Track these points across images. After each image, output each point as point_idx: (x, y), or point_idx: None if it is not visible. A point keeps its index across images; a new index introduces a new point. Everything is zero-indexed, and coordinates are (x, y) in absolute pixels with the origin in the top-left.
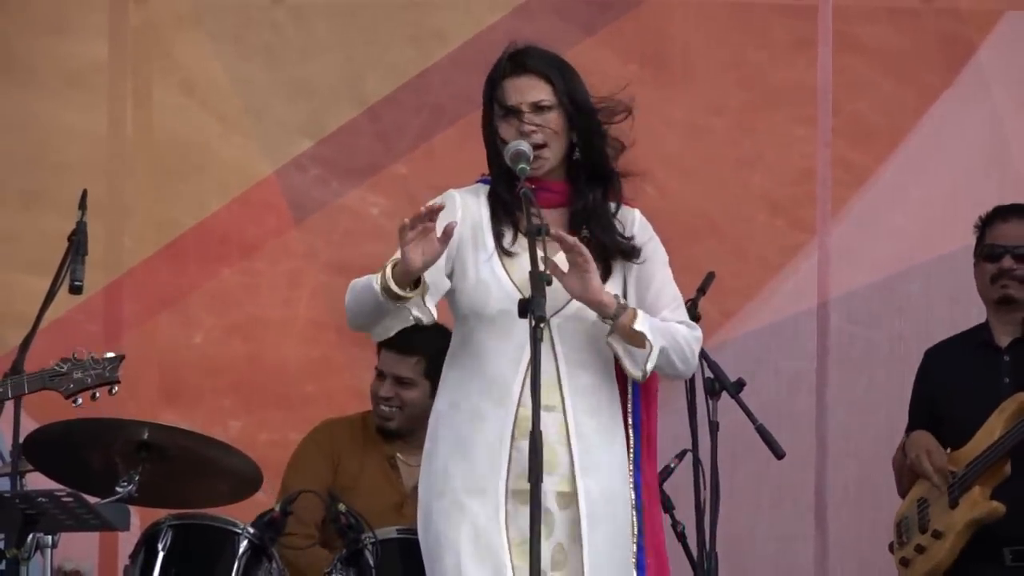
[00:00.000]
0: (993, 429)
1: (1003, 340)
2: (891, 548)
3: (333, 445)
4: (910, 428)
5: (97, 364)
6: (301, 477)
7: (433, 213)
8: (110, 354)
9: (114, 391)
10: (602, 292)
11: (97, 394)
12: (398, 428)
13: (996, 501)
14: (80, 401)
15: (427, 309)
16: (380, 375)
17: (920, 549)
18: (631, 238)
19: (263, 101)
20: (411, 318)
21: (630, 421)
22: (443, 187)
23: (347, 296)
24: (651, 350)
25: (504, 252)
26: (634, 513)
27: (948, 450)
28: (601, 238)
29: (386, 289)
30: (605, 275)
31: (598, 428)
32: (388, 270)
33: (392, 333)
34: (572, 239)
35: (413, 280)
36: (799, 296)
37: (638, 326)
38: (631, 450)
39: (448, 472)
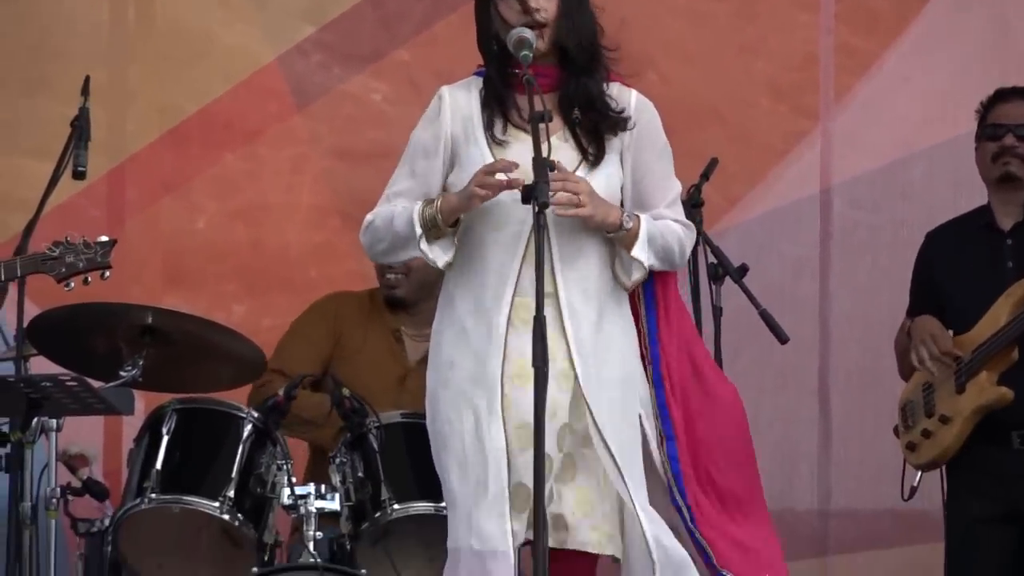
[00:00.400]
0: (999, 315)
1: (1006, 223)
2: (896, 431)
3: (337, 315)
4: (911, 311)
5: (89, 248)
6: (297, 340)
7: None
8: (103, 238)
9: (106, 276)
10: (606, 214)
11: (89, 279)
12: (405, 296)
13: (1004, 387)
14: (72, 285)
15: (447, 250)
16: None
17: (927, 434)
18: (626, 117)
19: None
20: (429, 259)
21: (641, 298)
22: (446, 74)
23: (365, 234)
24: (641, 273)
25: (495, 141)
26: (652, 388)
27: (951, 333)
28: (592, 118)
29: (428, 220)
30: (599, 156)
31: (596, 311)
32: (438, 203)
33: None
34: (563, 175)
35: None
36: (802, 182)
37: (636, 251)
38: (645, 327)
39: (452, 363)
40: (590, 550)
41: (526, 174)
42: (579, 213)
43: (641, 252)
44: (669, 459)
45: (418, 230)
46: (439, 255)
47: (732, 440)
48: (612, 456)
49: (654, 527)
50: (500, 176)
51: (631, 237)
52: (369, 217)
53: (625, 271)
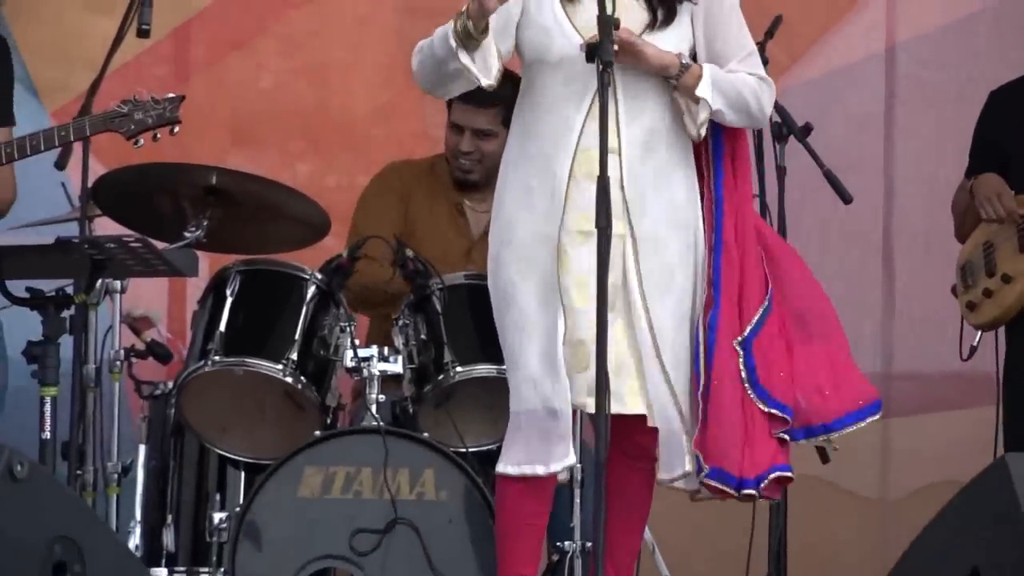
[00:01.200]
0: None
1: None
2: (954, 291)
3: (403, 186)
4: (971, 171)
5: (158, 105)
6: (372, 217)
7: None
8: (171, 95)
9: (175, 131)
10: (660, 57)
11: (159, 135)
12: (479, 180)
13: None
14: (142, 142)
15: (490, 68)
16: (457, 128)
17: (988, 293)
18: None
19: None
20: (473, 80)
21: (710, 161)
22: None
23: (415, 58)
24: (706, 112)
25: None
26: (708, 252)
27: (1015, 194)
28: None
29: (461, 31)
30: (669, 19)
31: (655, 170)
32: (464, 14)
33: (457, 94)
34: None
35: (484, 26)
36: (867, 39)
37: (700, 90)
38: (712, 191)
39: (514, 220)
40: (638, 410)
41: (587, 31)
42: (631, 48)
43: (706, 90)
44: (708, 328)
45: (453, 43)
46: (481, 69)
47: (811, 299)
48: (652, 328)
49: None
50: None
51: (693, 77)
52: (419, 43)
53: (692, 117)
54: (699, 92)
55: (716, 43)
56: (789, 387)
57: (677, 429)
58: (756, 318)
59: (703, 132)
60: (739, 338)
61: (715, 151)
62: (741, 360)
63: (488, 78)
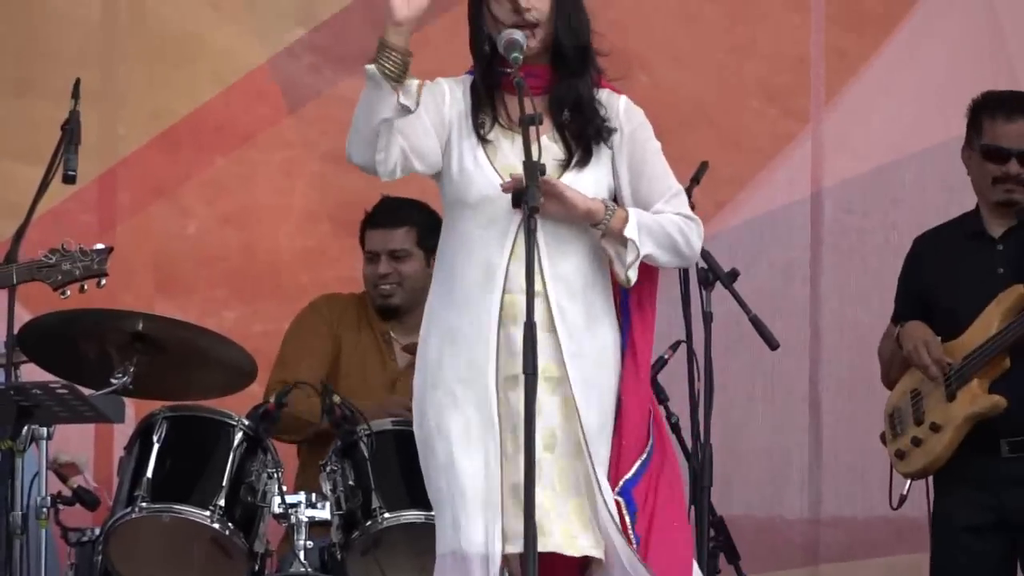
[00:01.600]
0: (990, 321)
1: (996, 230)
2: (882, 438)
3: (333, 316)
4: (897, 317)
5: (86, 256)
6: (303, 346)
7: None
8: (99, 246)
9: (102, 283)
10: (586, 203)
11: (85, 286)
12: (400, 304)
13: (996, 395)
14: (68, 293)
15: (412, 97)
16: (372, 257)
17: (917, 442)
18: (611, 123)
19: None
20: (398, 105)
21: (629, 312)
22: (437, 75)
23: (348, 139)
24: (635, 257)
25: (484, 140)
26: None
27: (939, 339)
28: (581, 122)
29: (381, 56)
30: (586, 159)
31: (584, 312)
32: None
33: (390, 154)
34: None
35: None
36: (792, 185)
37: (628, 232)
38: (626, 332)
39: (441, 363)
40: (568, 553)
41: (514, 170)
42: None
43: (633, 232)
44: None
45: (371, 68)
46: (405, 97)
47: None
48: (593, 465)
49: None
50: None
51: (620, 220)
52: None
53: (621, 262)
54: (627, 234)
55: (641, 185)
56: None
57: (624, 560)
58: (636, 466)
59: (633, 276)
60: (619, 484)
61: (623, 297)
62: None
63: (409, 100)
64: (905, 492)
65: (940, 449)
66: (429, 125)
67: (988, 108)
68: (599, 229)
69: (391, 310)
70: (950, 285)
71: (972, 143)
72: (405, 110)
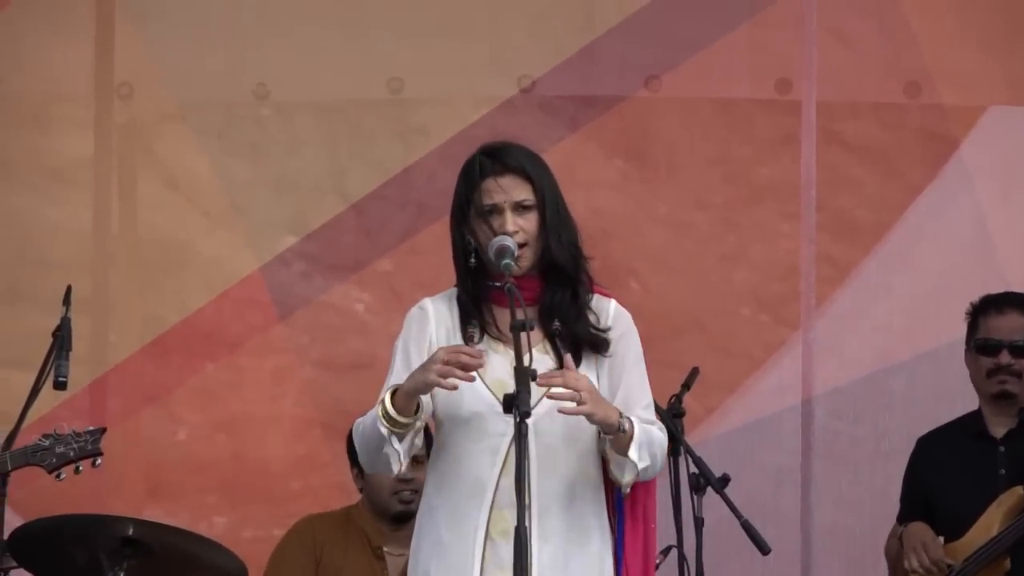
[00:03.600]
0: (991, 523)
1: (998, 431)
2: None
3: (315, 539)
4: (902, 516)
5: (79, 437)
6: (281, 571)
7: (473, 366)
8: (91, 427)
9: (97, 463)
10: (607, 416)
11: (80, 467)
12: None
13: None
14: (64, 475)
15: (411, 451)
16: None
17: None
18: (605, 329)
19: (248, 197)
20: (399, 461)
21: (615, 520)
22: (428, 283)
23: (355, 437)
24: (632, 474)
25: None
26: None
27: (942, 540)
28: (572, 330)
29: (386, 416)
30: (575, 364)
31: (569, 526)
32: (387, 399)
33: (396, 466)
34: (557, 374)
35: (415, 406)
36: (783, 392)
37: (632, 454)
38: (615, 549)
39: (428, 573)
40: None
41: (505, 385)
42: (580, 411)
43: (635, 453)
44: None
45: (383, 429)
46: (406, 451)
47: None
48: None
49: None
50: (462, 371)
51: (627, 439)
52: (356, 421)
53: (619, 470)
54: (631, 455)
55: (620, 391)
56: None
57: None
58: None
59: (627, 490)
60: None
61: (618, 502)
62: None
63: (407, 458)
64: None
65: None
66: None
67: (983, 307)
68: (607, 436)
69: (408, 516)
70: (952, 486)
71: (969, 342)
72: (398, 461)
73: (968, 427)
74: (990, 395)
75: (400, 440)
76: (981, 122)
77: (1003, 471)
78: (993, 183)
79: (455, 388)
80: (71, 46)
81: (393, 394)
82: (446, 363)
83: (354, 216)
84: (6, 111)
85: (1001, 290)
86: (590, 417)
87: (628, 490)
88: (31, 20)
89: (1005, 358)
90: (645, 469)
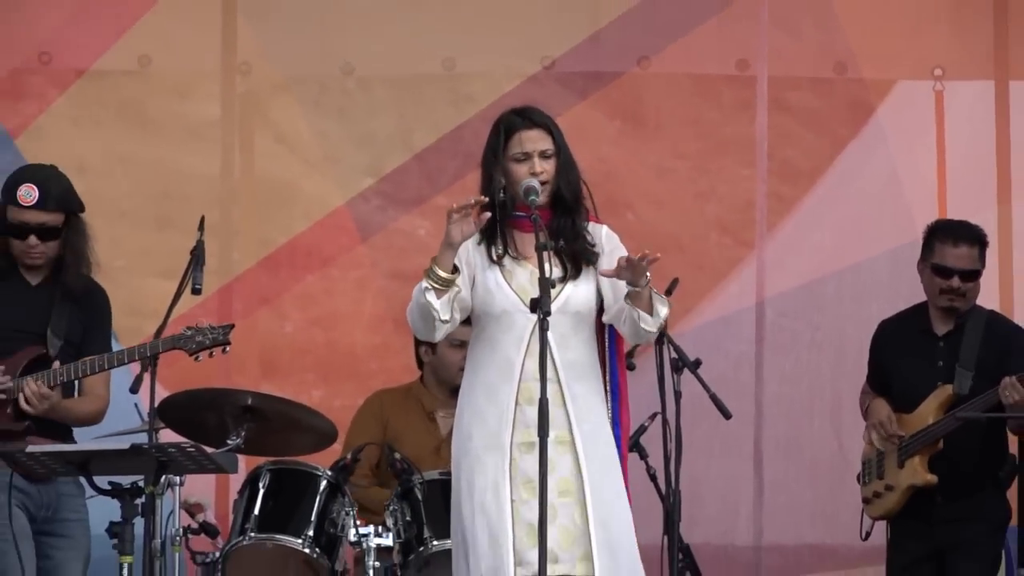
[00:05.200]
0: (928, 413)
1: (940, 330)
2: (858, 479)
3: (383, 409)
4: (869, 378)
5: (214, 330)
6: (357, 434)
7: (477, 204)
8: (224, 324)
9: (226, 350)
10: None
11: (213, 353)
12: None
13: (931, 474)
14: (200, 358)
15: (451, 311)
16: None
17: (877, 495)
18: (594, 245)
19: (337, 149)
20: (434, 316)
21: (608, 387)
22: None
23: (408, 314)
24: (661, 316)
25: (500, 265)
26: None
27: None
28: (571, 247)
29: (431, 273)
30: (577, 275)
31: (586, 391)
32: (430, 261)
33: (435, 337)
34: (628, 257)
35: (452, 266)
36: (741, 296)
37: (660, 307)
38: (610, 406)
39: (471, 435)
40: (573, 571)
41: (526, 290)
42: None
43: (659, 304)
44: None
45: (424, 283)
46: (443, 308)
47: None
48: (586, 507)
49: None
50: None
51: (648, 296)
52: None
53: (646, 315)
54: (655, 303)
55: (617, 285)
56: None
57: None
58: None
59: (654, 330)
60: None
61: (611, 353)
62: None
63: (445, 315)
64: (870, 529)
65: (891, 505)
66: (466, 290)
67: (940, 233)
68: (639, 287)
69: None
70: (902, 367)
71: (925, 259)
72: (444, 324)
73: (917, 322)
74: (939, 307)
75: (438, 297)
76: (892, 92)
77: (940, 363)
78: (901, 139)
79: (472, 230)
80: (203, 33)
81: (434, 260)
82: (455, 213)
83: (417, 164)
84: (154, 84)
85: (907, 225)
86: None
87: (652, 327)
88: (174, 11)
89: (956, 282)
90: (662, 316)
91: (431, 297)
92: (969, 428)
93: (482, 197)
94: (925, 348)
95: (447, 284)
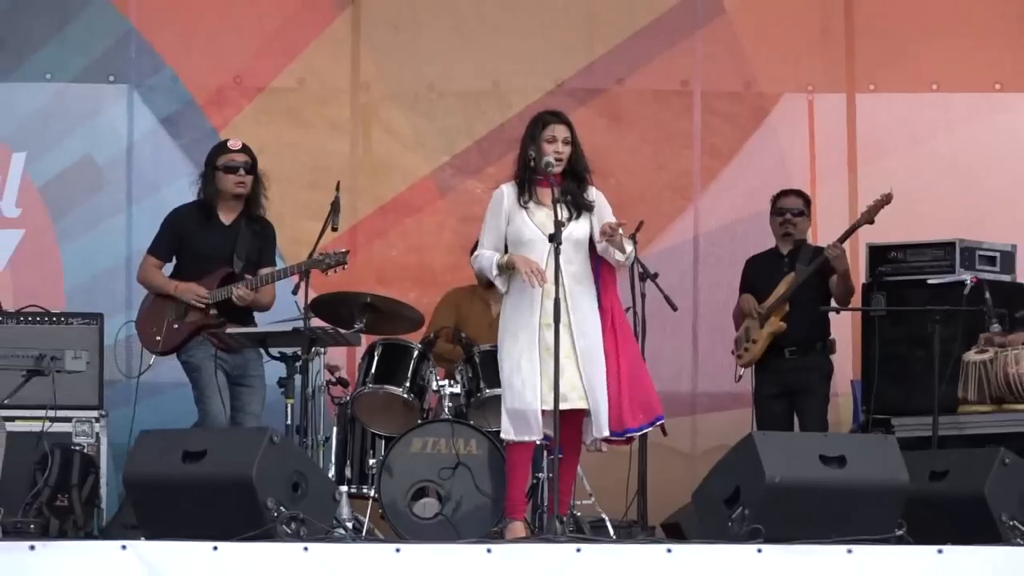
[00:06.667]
0: (780, 289)
1: (784, 250)
2: (733, 352)
3: (457, 300)
4: (741, 291)
5: (336, 255)
6: (440, 316)
7: (541, 274)
8: (342, 250)
9: (344, 267)
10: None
11: (338, 270)
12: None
13: (781, 323)
14: (330, 273)
15: (502, 281)
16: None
17: (746, 349)
18: (592, 201)
19: (425, 139)
20: (498, 285)
21: (599, 288)
22: (510, 178)
23: (473, 263)
24: (631, 254)
25: (527, 209)
26: (601, 328)
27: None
28: (576, 200)
29: (498, 265)
30: (578, 217)
31: (581, 292)
32: (503, 259)
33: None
34: (610, 225)
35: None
36: (684, 232)
37: (627, 246)
38: (599, 300)
39: (511, 319)
40: (575, 406)
41: (544, 226)
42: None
43: (629, 247)
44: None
45: (495, 271)
46: (502, 284)
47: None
48: (580, 369)
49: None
50: (535, 275)
51: (620, 242)
52: (474, 255)
53: (621, 252)
54: (627, 246)
55: (606, 220)
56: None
57: (600, 409)
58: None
59: (624, 260)
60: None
61: (596, 268)
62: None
63: (503, 288)
64: (741, 375)
65: (756, 352)
66: (503, 224)
67: (779, 194)
68: (614, 241)
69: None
70: (760, 277)
71: (772, 212)
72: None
73: (771, 252)
74: (780, 235)
75: (502, 276)
76: (780, 101)
77: (785, 269)
78: (785, 132)
79: (536, 282)
80: (339, 63)
81: (501, 257)
82: (529, 269)
83: (476, 147)
84: (307, 97)
85: (803, 183)
86: (615, 236)
87: (624, 260)
88: (320, 49)
89: (788, 217)
90: (631, 253)
91: (499, 281)
92: (803, 302)
93: (544, 276)
94: (776, 262)
95: (505, 273)
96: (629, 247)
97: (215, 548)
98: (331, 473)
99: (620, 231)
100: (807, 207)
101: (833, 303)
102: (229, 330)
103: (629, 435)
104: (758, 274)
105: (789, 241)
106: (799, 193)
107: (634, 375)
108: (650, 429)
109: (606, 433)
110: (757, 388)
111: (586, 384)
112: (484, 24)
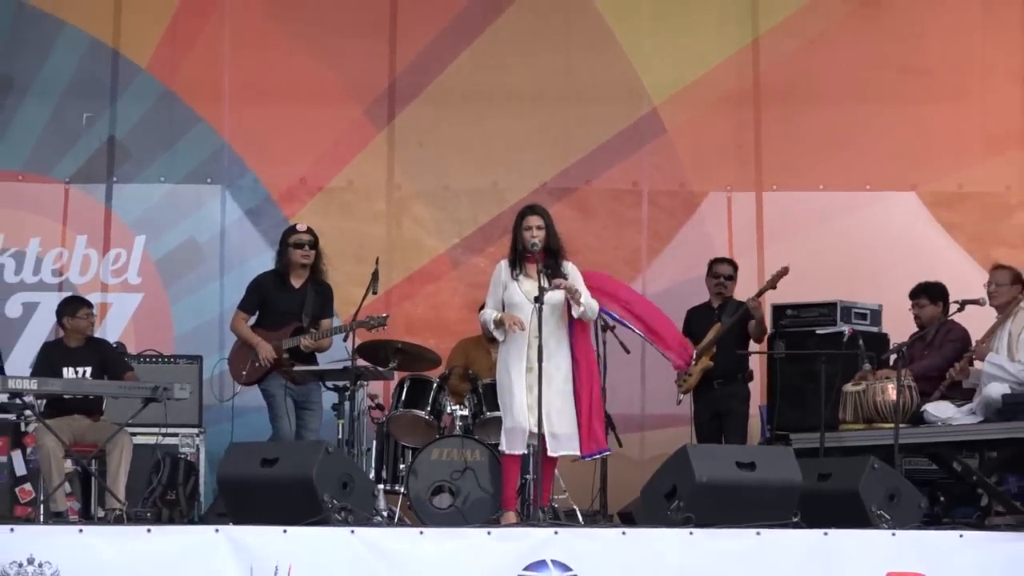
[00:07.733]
0: (709, 336)
1: (715, 304)
2: (676, 382)
3: (466, 349)
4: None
5: (380, 318)
6: (453, 358)
7: (520, 324)
8: (383, 315)
9: (384, 327)
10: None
11: (378, 329)
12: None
13: (710, 361)
14: (374, 332)
15: (499, 334)
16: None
17: (684, 380)
18: (565, 273)
19: (440, 226)
20: (497, 336)
21: (571, 340)
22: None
23: (480, 318)
24: (586, 309)
25: (516, 280)
26: (571, 375)
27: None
28: (554, 272)
29: (495, 323)
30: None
31: (556, 344)
32: (497, 317)
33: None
34: (566, 285)
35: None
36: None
37: (584, 300)
38: (572, 351)
39: (506, 362)
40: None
41: (530, 293)
42: (571, 288)
43: (586, 300)
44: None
45: (491, 326)
46: (499, 335)
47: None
48: (552, 403)
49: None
50: (516, 325)
51: (580, 298)
52: (480, 312)
53: (584, 311)
54: (583, 301)
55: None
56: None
57: (571, 434)
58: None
59: (588, 314)
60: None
61: (570, 333)
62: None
63: (500, 338)
64: (680, 399)
65: (691, 382)
66: (501, 292)
67: (713, 262)
68: (575, 299)
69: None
70: (694, 326)
71: (709, 273)
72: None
73: (704, 306)
74: (713, 292)
75: (498, 329)
76: (707, 198)
77: (715, 319)
78: (711, 221)
79: (517, 330)
80: (376, 169)
81: (498, 316)
82: (511, 322)
83: (480, 232)
84: (355, 194)
85: (714, 256)
86: (574, 292)
87: (588, 314)
88: (364, 159)
89: (722, 280)
90: (590, 307)
91: (497, 333)
92: (727, 345)
93: (523, 326)
94: (708, 314)
95: (501, 328)
96: (587, 303)
97: (284, 531)
98: (371, 475)
99: (578, 290)
100: (735, 272)
101: (752, 343)
102: (296, 368)
103: (585, 458)
104: (694, 322)
105: (720, 297)
106: (730, 261)
107: (596, 412)
108: (598, 457)
109: (579, 454)
110: (695, 411)
111: (546, 412)
112: (486, 137)
